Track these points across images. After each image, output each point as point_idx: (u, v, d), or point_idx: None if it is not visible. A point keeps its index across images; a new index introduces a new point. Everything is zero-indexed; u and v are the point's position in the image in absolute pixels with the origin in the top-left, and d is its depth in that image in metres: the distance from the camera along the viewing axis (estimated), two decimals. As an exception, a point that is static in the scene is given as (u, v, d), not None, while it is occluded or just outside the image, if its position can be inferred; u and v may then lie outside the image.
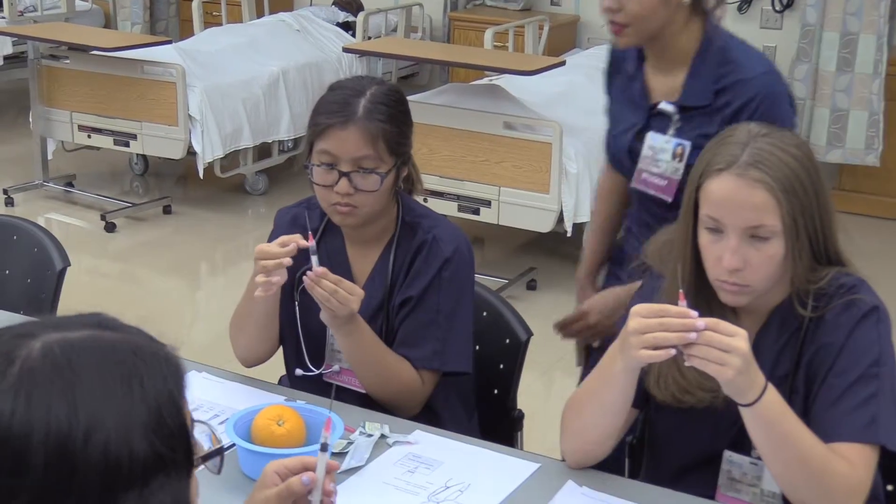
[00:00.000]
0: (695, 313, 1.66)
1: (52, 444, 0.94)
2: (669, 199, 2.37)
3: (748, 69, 2.32)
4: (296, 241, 2.07)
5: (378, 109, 2.15)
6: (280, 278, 2.10)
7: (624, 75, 2.49)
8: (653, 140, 2.40)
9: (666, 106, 2.38)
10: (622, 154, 2.48)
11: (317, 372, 2.26)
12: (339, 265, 2.25)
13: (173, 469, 0.99)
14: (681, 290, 1.71)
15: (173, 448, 0.99)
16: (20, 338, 1.00)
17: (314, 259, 2.05)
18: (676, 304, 1.71)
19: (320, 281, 2.03)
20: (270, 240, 2.30)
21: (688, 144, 2.34)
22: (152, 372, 1.01)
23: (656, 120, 2.40)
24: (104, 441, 0.95)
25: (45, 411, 0.94)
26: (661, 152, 2.39)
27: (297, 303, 2.25)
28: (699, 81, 2.33)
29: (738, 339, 1.65)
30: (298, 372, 2.28)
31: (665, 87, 2.40)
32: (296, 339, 2.27)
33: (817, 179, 1.81)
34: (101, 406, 0.96)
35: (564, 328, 2.57)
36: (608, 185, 2.70)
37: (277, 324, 2.26)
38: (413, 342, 2.21)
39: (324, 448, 1.52)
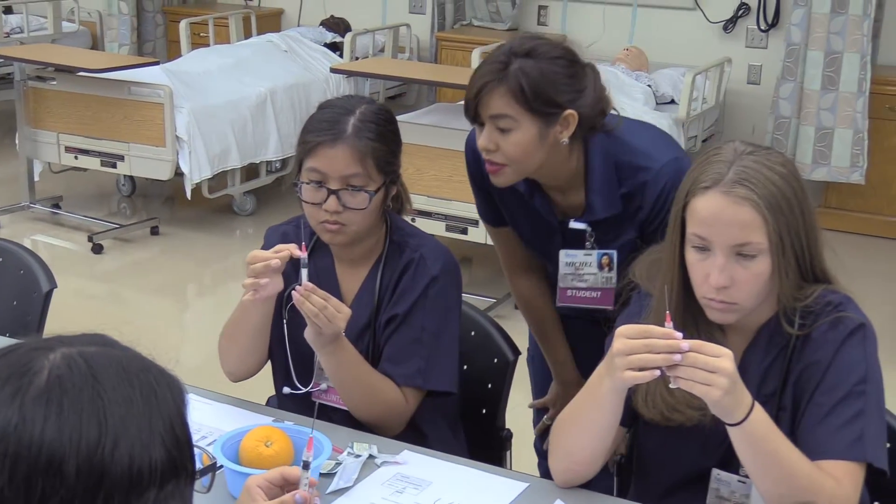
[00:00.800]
0: (679, 334, 1.67)
1: (84, 450, 0.98)
2: (611, 308, 2.32)
3: (652, 163, 2.22)
4: (290, 249, 2.08)
5: (367, 128, 2.15)
6: (269, 281, 2.10)
7: (512, 189, 2.32)
8: (570, 257, 2.34)
9: (577, 225, 2.29)
10: (539, 256, 2.45)
11: (304, 390, 2.26)
12: (328, 284, 2.25)
13: (183, 475, 1.05)
14: (667, 312, 1.72)
15: (183, 456, 1.05)
16: (37, 350, 1.04)
17: (304, 273, 2.05)
18: (663, 324, 1.72)
19: (309, 296, 2.03)
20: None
21: (614, 253, 2.29)
22: (162, 386, 1.07)
23: (567, 234, 2.33)
24: (130, 447, 1.00)
25: (76, 419, 0.99)
26: (585, 266, 2.33)
27: (285, 320, 2.25)
28: (601, 196, 2.24)
29: (724, 359, 1.65)
30: (286, 390, 2.28)
31: (567, 204, 2.31)
32: (284, 356, 2.26)
33: (803, 197, 1.81)
34: (126, 414, 1.01)
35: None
36: (525, 290, 2.58)
37: (268, 337, 2.26)
38: (397, 359, 2.21)
39: (306, 466, 1.53)
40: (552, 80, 2.13)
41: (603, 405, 1.81)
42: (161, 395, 1.06)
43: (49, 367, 1.02)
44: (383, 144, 2.18)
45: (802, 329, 1.85)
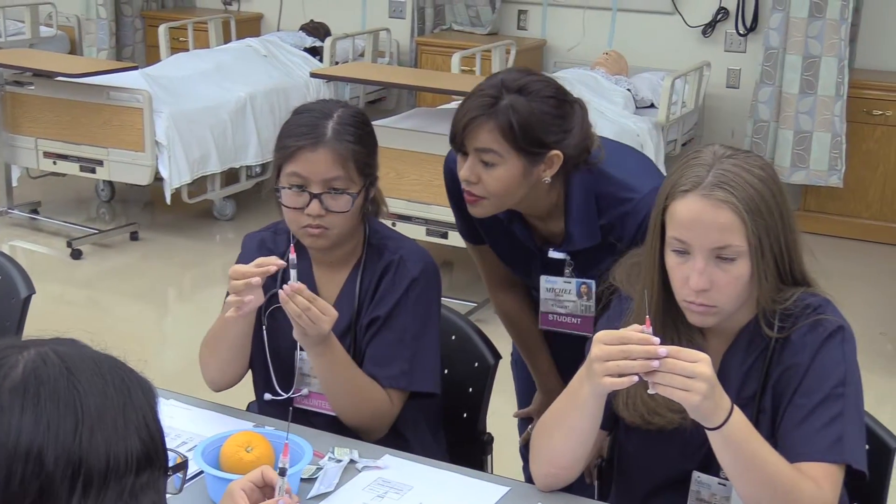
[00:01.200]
0: (657, 340, 1.67)
1: (62, 439, 1.02)
2: (591, 334, 2.33)
3: (632, 194, 2.21)
4: (273, 262, 2.07)
5: (347, 131, 2.16)
6: (253, 298, 2.10)
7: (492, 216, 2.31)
8: (550, 283, 2.34)
9: (556, 254, 2.30)
10: (519, 275, 2.45)
11: (285, 396, 2.25)
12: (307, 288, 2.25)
13: (157, 466, 1.09)
14: (647, 316, 1.72)
15: (157, 448, 1.09)
16: (10, 348, 1.07)
17: (293, 273, 2.04)
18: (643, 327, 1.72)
19: (294, 296, 2.03)
20: (239, 262, 2.30)
21: (592, 283, 2.30)
22: (133, 383, 1.10)
23: (547, 260, 2.33)
24: (105, 436, 1.04)
25: (53, 409, 1.02)
26: (564, 293, 2.34)
27: (265, 327, 2.25)
28: (580, 226, 2.24)
29: (702, 364, 1.66)
30: (267, 396, 2.27)
31: (547, 231, 2.31)
32: (264, 363, 2.26)
33: (782, 200, 1.82)
34: (100, 404, 1.05)
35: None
36: (507, 304, 2.57)
37: (249, 347, 2.26)
38: (381, 361, 2.21)
39: (282, 473, 1.54)
40: (542, 119, 2.12)
41: (583, 410, 1.81)
42: (133, 390, 1.09)
43: (24, 362, 1.05)
44: (363, 147, 2.18)
45: (782, 332, 1.86)
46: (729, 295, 1.81)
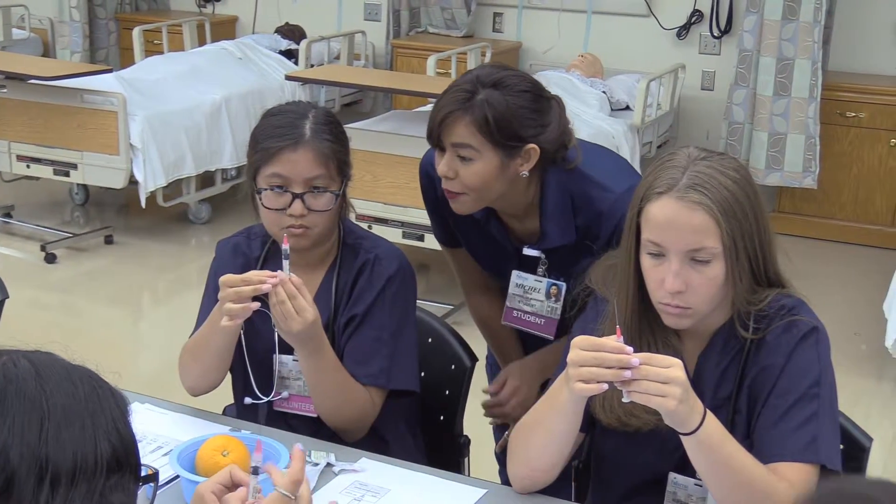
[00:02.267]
0: (630, 349, 1.68)
1: (28, 437, 1.04)
2: (551, 338, 2.34)
3: (608, 194, 2.20)
4: (267, 277, 2.04)
5: (324, 130, 2.17)
6: (245, 307, 2.07)
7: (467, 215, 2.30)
8: (521, 279, 2.35)
9: (530, 251, 2.30)
10: (495, 277, 2.44)
11: (265, 399, 2.25)
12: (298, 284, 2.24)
13: (127, 471, 1.11)
14: (617, 327, 1.73)
15: (128, 453, 1.11)
16: None
17: (285, 264, 2.04)
18: (616, 325, 1.73)
19: (279, 285, 2.02)
20: (213, 271, 2.29)
21: (563, 286, 2.30)
22: (105, 391, 1.12)
23: (523, 259, 2.33)
24: (73, 437, 1.06)
25: (19, 408, 1.05)
26: (533, 291, 2.34)
27: (242, 331, 2.24)
28: (555, 225, 2.24)
29: (675, 369, 1.67)
30: (247, 400, 2.26)
31: (523, 230, 2.31)
32: (243, 367, 2.25)
33: (756, 202, 1.83)
34: (68, 405, 1.07)
35: (491, 407, 2.48)
36: (482, 308, 2.56)
37: (231, 355, 2.25)
38: (361, 359, 2.21)
39: (255, 472, 1.53)
40: (517, 113, 2.13)
41: (562, 413, 1.81)
42: (104, 397, 1.11)
43: None
44: (341, 146, 2.20)
45: (757, 333, 1.87)
46: (704, 296, 1.81)
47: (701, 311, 1.84)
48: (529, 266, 2.34)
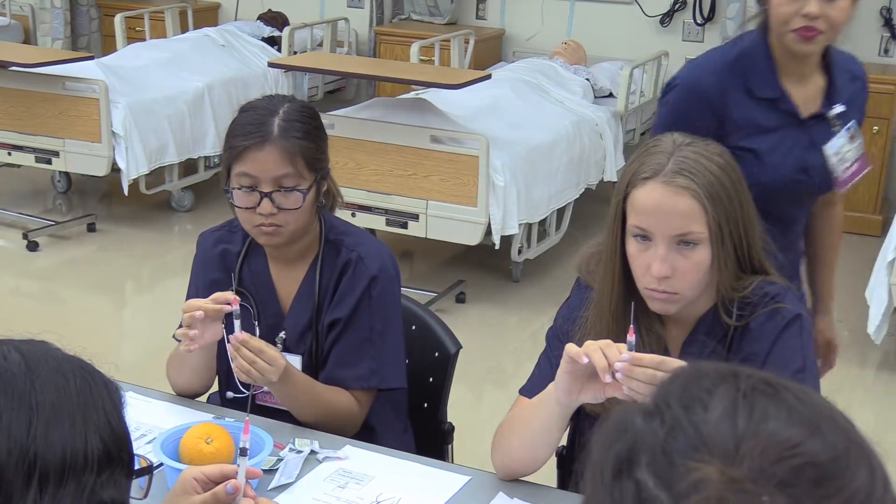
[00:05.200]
0: (626, 356, 1.67)
1: (16, 433, 1.02)
2: (869, 168, 2.53)
3: (850, 55, 2.51)
4: (227, 299, 2.03)
5: (293, 127, 2.14)
6: (198, 333, 2.05)
7: (745, 104, 2.37)
8: (833, 147, 2.44)
9: (838, 108, 2.42)
10: (792, 175, 2.41)
11: (248, 393, 2.24)
12: (263, 286, 2.24)
13: (119, 466, 1.09)
14: (631, 326, 1.73)
15: (120, 449, 1.09)
16: None
17: (236, 324, 2.02)
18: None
19: (240, 349, 2.01)
20: (195, 266, 2.28)
21: (853, 122, 2.44)
22: (98, 384, 1.10)
23: (814, 129, 2.42)
24: (62, 433, 1.04)
25: (7, 403, 1.03)
26: (843, 148, 2.44)
27: (223, 326, 2.24)
28: (840, 78, 2.43)
29: (669, 362, 1.67)
30: (229, 394, 2.26)
31: (804, 97, 2.42)
32: (225, 362, 2.24)
33: (741, 187, 1.84)
34: (57, 401, 1.05)
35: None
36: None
37: (214, 363, 2.24)
38: (348, 362, 2.20)
39: (243, 452, 1.53)
40: None
41: (548, 419, 1.83)
42: (96, 390, 1.09)
43: None
44: (311, 142, 2.16)
45: (741, 320, 1.88)
46: (690, 282, 1.82)
47: (687, 297, 1.84)
48: (824, 136, 2.43)
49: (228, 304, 2.02)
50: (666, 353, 1.92)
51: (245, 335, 2.02)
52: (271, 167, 2.11)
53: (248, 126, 2.14)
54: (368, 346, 2.20)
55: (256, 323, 2.23)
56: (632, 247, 1.84)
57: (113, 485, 1.07)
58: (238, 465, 1.57)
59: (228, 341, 2.03)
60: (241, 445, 1.55)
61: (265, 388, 2.23)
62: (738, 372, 0.85)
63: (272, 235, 2.15)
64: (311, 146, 2.16)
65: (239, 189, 2.13)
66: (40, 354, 1.09)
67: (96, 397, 1.08)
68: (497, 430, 1.96)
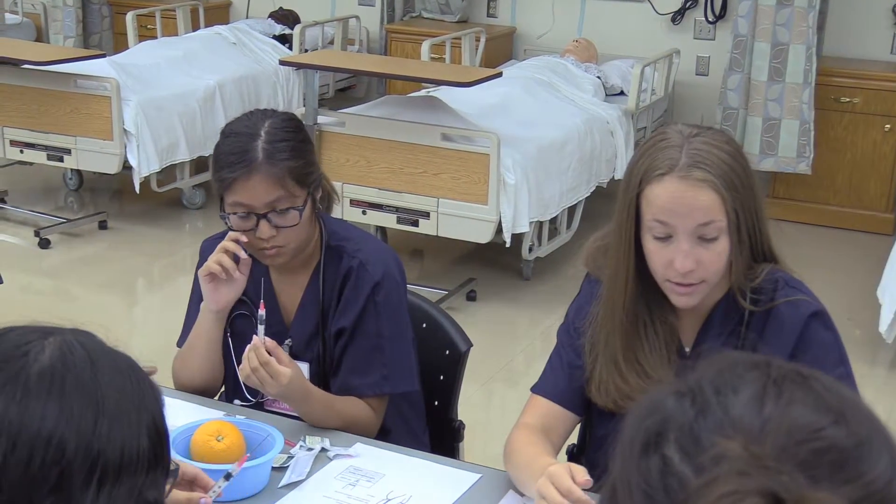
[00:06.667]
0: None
1: (84, 430, 1.02)
2: None
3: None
4: (241, 256, 2.12)
5: (277, 148, 2.10)
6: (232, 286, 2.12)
7: None
8: None
9: None
10: None
11: (254, 401, 2.24)
12: (266, 297, 2.22)
13: (162, 467, 1.10)
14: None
15: (163, 450, 1.11)
16: (34, 332, 1.09)
17: (260, 329, 2.04)
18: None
19: (255, 349, 2.01)
20: (198, 270, 2.29)
21: None
22: (145, 383, 1.12)
23: None
24: (122, 431, 1.04)
25: (77, 400, 1.03)
26: None
27: (229, 335, 2.24)
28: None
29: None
30: (237, 402, 2.26)
31: None
32: (232, 369, 2.24)
33: (750, 172, 1.85)
34: (119, 400, 1.06)
35: None
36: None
37: (221, 358, 2.25)
38: (360, 370, 2.20)
39: (227, 477, 1.56)
40: None
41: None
42: (145, 390, 1.10)
43: (50, 348, 1.06)
44: (298, 159, 2.12)
45: (756, 305, 1.88)
46: (713, 271, 1.83)
47: (710, 285, 1.85)
48: None
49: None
50: (679, 343, 1.93)
51: (270, 342, 2.02)
52: (262, 195, 2.09)
53: (232, 156, 2.11)
54: (378, 353, 2.19)
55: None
56: (650, 243, 1.84)
57: (155, 485, 1.08)
58: (217, 484, 1.65)
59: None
60: (228, 471, 1.58)
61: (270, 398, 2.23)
62: (771, 362, 0.87)
63: (276, 256, 2.14)
64: (299, 164, 2.12)
65: (235, 215, 2.13)
66: (97, 348, 1.09)
67: (146, 396, 1.09)
68: (508, 442, 1.95)
